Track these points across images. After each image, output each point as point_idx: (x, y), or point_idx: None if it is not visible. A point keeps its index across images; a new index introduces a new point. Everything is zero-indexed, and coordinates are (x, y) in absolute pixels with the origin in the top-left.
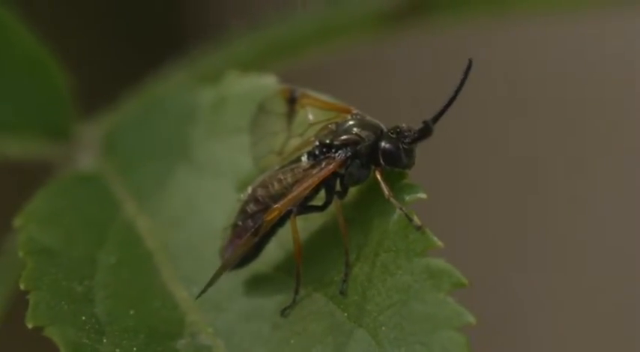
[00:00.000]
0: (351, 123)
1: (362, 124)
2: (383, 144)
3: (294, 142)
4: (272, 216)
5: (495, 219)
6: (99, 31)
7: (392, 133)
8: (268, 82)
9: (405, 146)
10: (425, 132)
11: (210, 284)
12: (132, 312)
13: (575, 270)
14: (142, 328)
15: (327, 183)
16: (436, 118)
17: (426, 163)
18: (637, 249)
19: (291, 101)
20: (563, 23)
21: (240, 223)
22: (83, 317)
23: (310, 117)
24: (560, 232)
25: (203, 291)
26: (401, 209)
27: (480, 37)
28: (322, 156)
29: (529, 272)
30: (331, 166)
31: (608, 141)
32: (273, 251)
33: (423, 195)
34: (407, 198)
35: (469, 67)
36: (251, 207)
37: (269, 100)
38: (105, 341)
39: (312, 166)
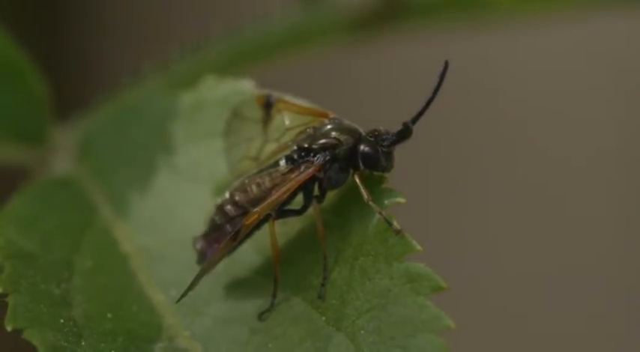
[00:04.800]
0: (329, 127)
1: (340, 128)
2: (362, 147)
3: (271, 147)
4: (251, 220)
5: (476, 221)
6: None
7: (370, 136)
8: (246, 87)
9: (384, 149)
10: (404, 133)
11: (190, 288)
12: (109, 316)
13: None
14: (120, 331)
15: (305, 187)
16: (414, 120)
17: (404, 166)
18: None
19: (267, 106)
20: (540, 30)
21: (218, 227)
22: (61, 320)
23: (287, 121)
24: (546, 237)
25: (183, 295)
26: (380, 213)
27: (454, 43)
28: (301, 161)
29: (510, 276)
30: (310, 170)
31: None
32: (251, 255)
33: (401, 200)
34: (386, 202)
35: (445, 69)
36: (229, 211)
37: (244, 106)
38: (83, 343)
39: (291, 170)
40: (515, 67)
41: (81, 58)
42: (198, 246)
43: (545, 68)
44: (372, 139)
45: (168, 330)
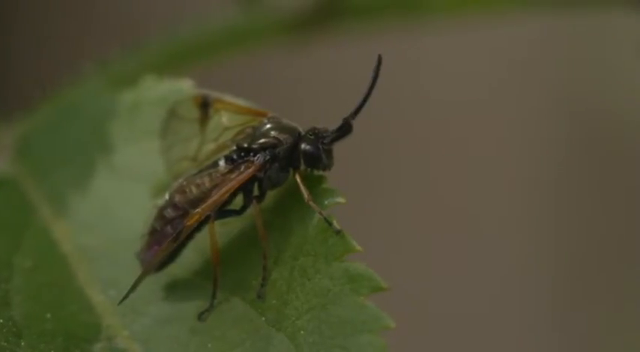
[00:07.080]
0: (268, 126)
1: (279, 127)
2: (303, 145)
3: (209, 147)
4: (192, 220)
5: (414, 221)
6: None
7: (310, 135)
8: (184, 87)
9: (325, 146)
10: (344, 130)
11: (131, 290)
12: (49, 316)
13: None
14: (60, 331)
15: (245, 187)
16: (353, 116)
17: (344, 165)
18: None
19: (204, 106)
20: (476, 30)
21: (158, 229)
22: (1, 320)
23: (225, 121)
24: (485, 236)
25: (125, 297)
26: (320, 213)
27: (390, 44)
28: (240, 160)
29: (450, 275)
30: (250, 170)
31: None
32: (192, 256)
33: (341, 200)
34: (326, 202)
35: (379, 64)
36: (169, 213)
37: (180, 106)
38: (23, 344)
39: (231, 170)
40: (451, 68)
41: (21, 57)
42: (141, 256)
43: (479, 69)
44: (312, 137)
45: (108, 330)
